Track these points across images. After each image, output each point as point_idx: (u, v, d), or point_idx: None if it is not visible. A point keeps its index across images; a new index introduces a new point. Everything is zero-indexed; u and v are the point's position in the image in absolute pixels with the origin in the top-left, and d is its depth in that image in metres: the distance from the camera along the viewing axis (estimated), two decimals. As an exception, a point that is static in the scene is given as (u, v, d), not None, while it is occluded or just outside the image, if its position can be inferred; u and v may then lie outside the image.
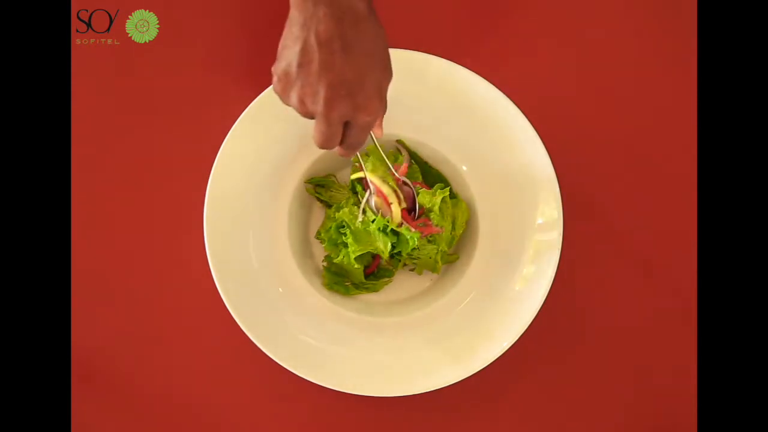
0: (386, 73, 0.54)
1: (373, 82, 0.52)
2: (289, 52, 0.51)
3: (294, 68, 0.51)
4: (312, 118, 0.53)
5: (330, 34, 0.50)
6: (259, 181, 0.68)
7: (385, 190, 0.66)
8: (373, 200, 0.66)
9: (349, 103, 0.51)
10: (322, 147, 0.54)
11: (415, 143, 0.71)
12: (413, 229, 0.66)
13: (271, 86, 0.66)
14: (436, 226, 0.67)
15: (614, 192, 0.74)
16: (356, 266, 0.67)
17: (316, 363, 0.65)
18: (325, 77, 0.50)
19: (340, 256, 0.68)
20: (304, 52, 0.50)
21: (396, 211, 0.66)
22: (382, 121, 0.59)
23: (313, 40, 0.50)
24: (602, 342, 0.72)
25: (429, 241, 0.68)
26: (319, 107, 0.51)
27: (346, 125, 0.53)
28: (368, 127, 0.54)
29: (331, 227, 0.69)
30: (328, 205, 0.72)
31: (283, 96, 0.53)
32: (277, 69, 0.53)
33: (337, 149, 0.56)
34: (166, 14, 0.76)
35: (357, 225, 0.66)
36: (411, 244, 0.66)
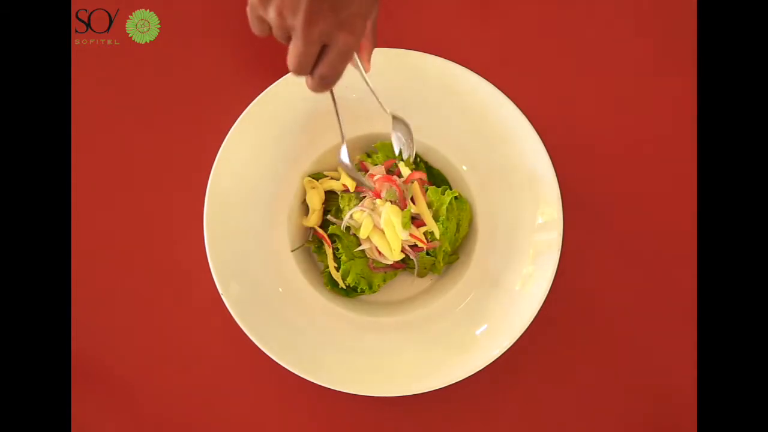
0: None
1: (360, 2, 0.48)
2: None
3: None
4: (287, 38, 0.49)
5: None
6: (259, 181, 0.68)
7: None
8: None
9: (331, 19, 0.47)
10: (294, 70, 0.49)
11: (415, 143, 0.71)
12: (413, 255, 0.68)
13: (270, 87, 0.66)
14: (437, 239, 0.67)
15: (614, 192, 0.74)
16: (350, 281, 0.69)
17: (317, 363, 0.65)
18: None
19: (339, 274, 0.68)
20: None
21: (397, 249, 0.67)
22: (371, 54, 0.55)
23: None
24: (602, 341, 0.72)
25: (428, 254, 0.68)
26: (298, 21, 0.47)
27: (324, 49, 0.49)
28: (347, 53, 0.49)
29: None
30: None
31: (261, 7, 0.49)
32: None
33: (307, 81, 0.51)
34: (167, 14, 0.76)
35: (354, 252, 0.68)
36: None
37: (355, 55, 0.55)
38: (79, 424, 0.68)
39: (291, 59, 0.49)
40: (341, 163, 0.62)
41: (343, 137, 0.61)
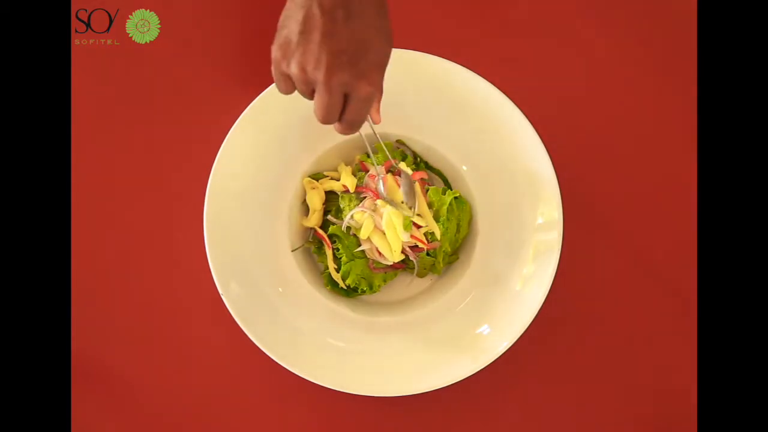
0: (388, 47, 0.54)
1: (376, 53, 0.52)
2: (291, 21, 0.51)
3: (296, 36, 0.51)
4: (310, 92, 0.53)
5: (334, 3, 0.50)
6: (259, 181, 0.68)
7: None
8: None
9: (350, 71, 0.50)
10: (322, 120, 0.53)
11: (415, 143, 0.71)
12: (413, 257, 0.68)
13: (270, 87, 0.66)
14: (436, 240, 0.67)
15: (614, 192, 0.74)
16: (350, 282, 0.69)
17: (316, 363, 0.65)
18: (327, 45, 0.50)
19: (339, 275, 0.69)
20: (307, 19, 0.50)
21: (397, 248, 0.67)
22: (379, 105, 0.58)
23: (316, 8, 0.50)
24: (602, 342, 0.72)
25: (428, 255, 0.68)
26: (320, 74, 0.50)
27: (346, 98, 0.52)
28: (368, 101, 0.52)
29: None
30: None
31: (283, 63, 0.52)
32: (279, 37, 0.52)
33: (335, 126, 0.55)
34: (167, 14, 0.76)
35: (354, 252, 0.68)
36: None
37: None
38: (79, 424, 0.68)
39: (318, 110, 0.53)
40: (381, 195, 0.67)
41: (378, 169, 0.67)
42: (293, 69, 0.51)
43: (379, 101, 0.58)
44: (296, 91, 0.54)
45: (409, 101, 0.68)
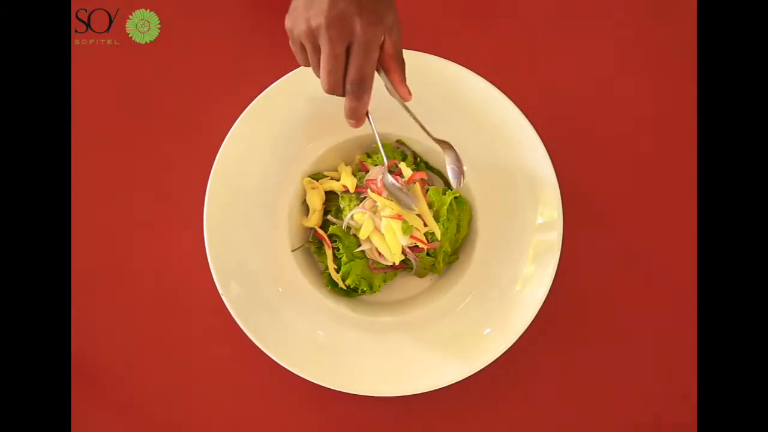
0: (391, 3, 0.56)
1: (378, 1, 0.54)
2: None
3: (302, 2, 0.54)
4: (317, 51, 0.53)
5: None
6: (259, 181, 0.68)
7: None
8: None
9: (348, 8, 0.52)
10: (329, 81, 0.54)
11: (415, 143, 0.71)
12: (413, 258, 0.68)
13: (270, 87, 0.67)
14: (436, 240, 0.67)
15: (614, 192, 0.74)
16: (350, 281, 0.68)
17: (317, 363, 0.65)
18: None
19: (339, 275, 0.69)
20: None
21: (396, 249, 0.67)
22: (403, 77, 0.57)
23: None
24: (602, 342, 0.72)
25: (428, 255, 0.68)
26: (321, 19, 0.52)
27: (348, 55, 0.53)
28: (369, 45, 0.53)
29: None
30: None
31: (295, 30, 0.54)
32: (289, 9, 0.55)
33: (345, 109, 0.56)
34: (167, 14, 0.76)
35: (354, 252, 0.68)
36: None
37: (390, 84, 0.57)
38: (79, 424, 0.68)
39: (324, 67, 0.53)
40: (389, 186, 0.65)
41: (386, 161, 0.64)
42: (301, 27, 0.53)
43: (401, 73, 0.57)
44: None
45: (410, 101, 0.68)
